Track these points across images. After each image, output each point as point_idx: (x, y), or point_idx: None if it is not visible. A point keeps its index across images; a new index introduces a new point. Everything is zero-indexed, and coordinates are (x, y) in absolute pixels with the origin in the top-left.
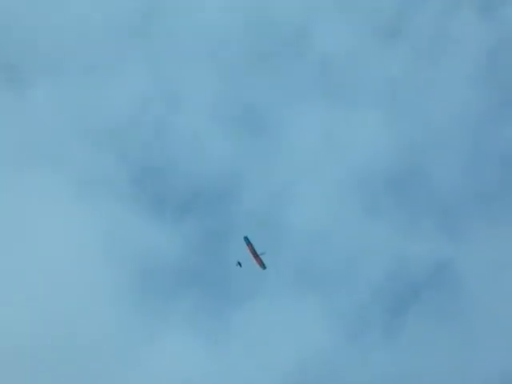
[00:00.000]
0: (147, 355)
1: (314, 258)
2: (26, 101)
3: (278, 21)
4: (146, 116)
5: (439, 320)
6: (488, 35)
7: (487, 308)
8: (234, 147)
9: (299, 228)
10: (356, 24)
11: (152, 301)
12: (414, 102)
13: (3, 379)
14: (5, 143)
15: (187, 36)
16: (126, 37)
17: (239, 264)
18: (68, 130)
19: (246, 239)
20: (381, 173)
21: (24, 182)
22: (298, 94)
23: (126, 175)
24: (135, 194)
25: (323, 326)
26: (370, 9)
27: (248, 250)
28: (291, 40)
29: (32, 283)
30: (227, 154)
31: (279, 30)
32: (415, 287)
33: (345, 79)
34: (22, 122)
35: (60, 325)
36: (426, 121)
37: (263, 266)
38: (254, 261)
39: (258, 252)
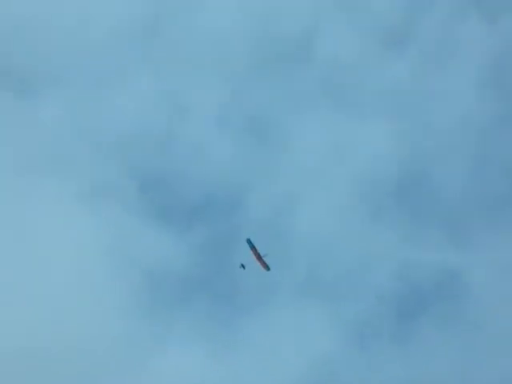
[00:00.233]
0: (155, 363)
1: (321, 265)
2: (34, 111)
3: (284, 28)
4: (153, 125)
5: (446, 327)
6: (494, 41)
7: (494, 314)
8: (241, 156)
9: (306, 236)
10: (362, 30)
11: (159, 309)
12: (420, 108)
13: None
14: (13, 153)
15: (193, 45)
16: (133, 48)
17: (242, 266)
18: (76, 139)
19: (249, 242)
20: (387, 180)
21: (31, 191)
22: (305, 102)
23: (132, 184)
24: (142, 203)
25: (330, 333)
26: (377, 15)
27: (251, 253)
28: (297, 47)
29: (38, 292)
30: (234, 163)
31: (285, 38)
32: (422, 294)
33: (351, 86)
34: (31, 132)
35: (67, 333)
36: (432, 128)
37: (267, 267)
38: (257, 263)
39: (261, 254)
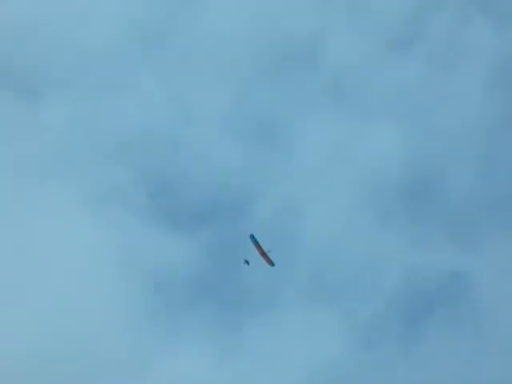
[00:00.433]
0: (162, 367)
1: (328, 269)
2: (40, 114)
3: (290, 31)
4: (159, 129)
5: (453, 330)
6: (502, 43)
7: (501, 317)
8: (247, 160)
9: (313, 239)
10: (369, 33)
11: (166, 313)
12: (427, 111)
13: None
14: (18, 156)
15: (199, 48)
16: (139, 50)
17: (247, 262)
18: (82, 143)
19: (252, 237)
20: (394, 183)
21: (37, 195)
22: (311, 105)
23: (139, 188)
24: (149, 207)
25: (338, 337)
26: (383, 17)
27: (255, 249)
28: (303, 50)
29: (43, 296)
30: (240, 167)
31: (291, 40)
32: (429, 297)
33: (357, 88)
34: (37, 136)
35: (73, 337)
36: (439, 130)
37: (271, 263)
38: (261, 259)
39: (265, 250)
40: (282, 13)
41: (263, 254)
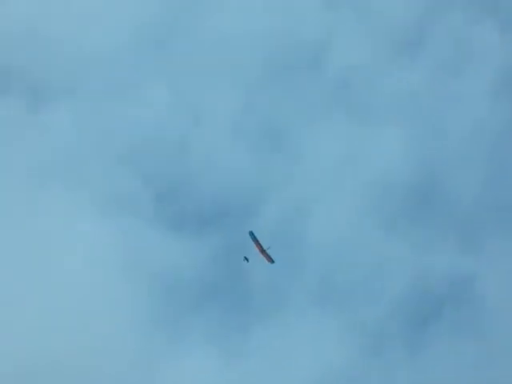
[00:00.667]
0: (168, 370)
1: (335, 273)
2: (46, 120)
3: (297, 36)
4: (166, 134)
5: (460, 334)
6: (509, 47)
7: (507, 322)
8: (255, 164)
9: (320, 243)
10: (375, 37)
11: (173, 317)
12: (434, 116)
13: None
14: (27, 163)
15: (207, 54)
16: (146, 54)
17: (246, 259)
18: (89, 147)
19: (252, 234)
20: (401, 187)
21: (45, 201)
22: (318, 110)
23: (146, 193)
24: (156, 212)
25: (344, 341)
26: (390, 22)
27: (254, 246)
28: (310, 55)
29: (51, 301)
30: (248, 171)
31: (299, 46)
32: (436, 301)
33: (364, 93)
34: (43, 142)
35: (80, 342)
36: (446, 135)
37: (271, 260)
38: (261, 256)
39: (264, 247)
40: (288, 16)
41: (263, 251)
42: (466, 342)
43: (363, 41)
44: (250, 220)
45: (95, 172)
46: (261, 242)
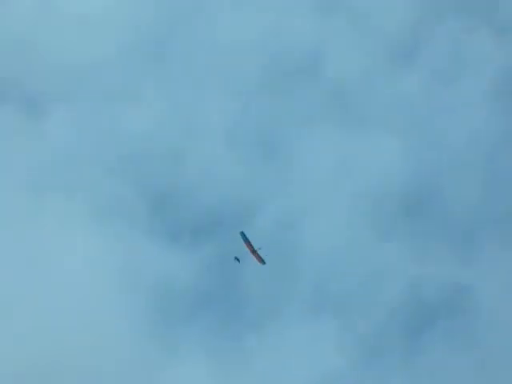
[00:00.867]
0: (163, 379)
1: (330, 281)
2: (42, 128)
3: (292, 46)
4: (162, 143)
5: (456, 342)
6: (504, 56)
7: (504, 330)
8: (250, 173)
9: (315, 251)
10: (370, 46)
11: (168, 325)
12: (429, 124)
13: None
14: (22, 170)
15: (203, 62)
16: (142, 64)
17: (237, 260)
18: (85, 157)
19: (243, 235)
20: (395, 196)
21: (41, 208)
22: (313, 118)
23: (142, 202)
24: (151, 220)
25: (339, 349)
26: (385, 31)
27: (245, 246)
28: (306, 64)
29: (47, 309)
30: (242, 180)
31: (294, 55)
32: (431, 310)
33: (359, 102)
34: (39, 150)
35: (75, 350)
36: (441, 143)
37: (262, 261)
38: (252, 256)
39: (255, 247)
40: (283, 27)
41: (254, 251)
42: (460, 350)
43: (358, 50)
44: (245, 230)
45: (91, 182)
46: (252, 242)
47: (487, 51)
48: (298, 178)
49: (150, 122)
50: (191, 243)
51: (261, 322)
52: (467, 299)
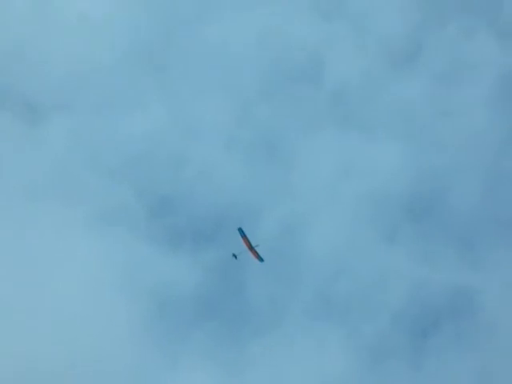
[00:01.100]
0: None
1: (334, 285)
2: (40, 135)
3: (293, 50)
4: (161, 147)
5: (460, 347)
6: (505, 59)
7: (508, 334)
8: (251, 177)
9: (317, 256)
10: (371, 51)
11: (170, 332)
12: (431, 128)
13: None
14: (20, 177)
15: (202, 67)
16: (140, 68)
17: (234, 256)
18: (83, 163)
19: (241, 231)
20: (399, 200)
21: (39, 216)
22: (315, 123)
23: (141, 207)
24: (152, 226)
25: (344, 354)
26: (386, 36)
27: (243, 243)
28: (306, 68)
29: (48, 318)
30: (244, 184)
31: (294, 59)
32: (436, 313)
33: (360, 106)
34: (38, 156)
35: (77, 358)
36: (443, 147)
37: (260, 258)
38: (249, 253)
39: (253, 244)
40: (284, 30)
41: (251, 248)
42: (465, 354)
43: (359, 53)
44: (247, 233)
45: (90, 187)
46: (250, 239)
47: (489, 55)
48: (300, 182)
49: (150, 127)
50: (192, 248)
51: (264, 328)
52: (472, 302)
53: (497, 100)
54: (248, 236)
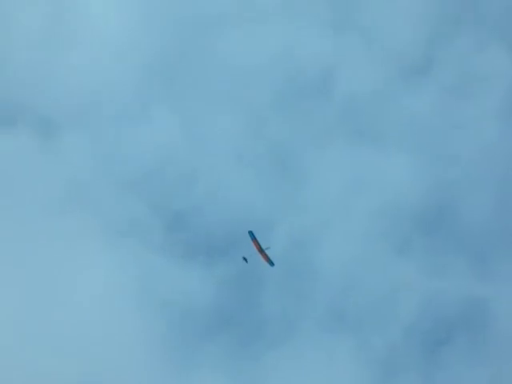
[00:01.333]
0: None
1: (347, 298)
2: (56, 150)
3: (304, 62)
4: (175, 161)
5: (472, 359)
6: None
7: None
8: (263, 190)
9: (329, 269)
10: (382, 64)
11: (184, 345)
12: (442, 141)
13: None
14: (36, 191)
15: (214, 81)
16: (154, 83)
17: (245, 259)
18: (98, 177)
19: (251, 234)
20: (410, 212)
21: (56, 229)
22: (326, 136)
23: (156, 221)
24: (166, 239)
25: (356, 367)
26: (397, 48)
27: (253, 246)
28: (317, 82)
29: (65, 330)
30: (256, 197)
31: (305, 73)
32: (448, 325)
33: (372, 119)
34: (53, 171)
35: (92, 372)
36: (454, 159)
37: (270, 262)
38: (259, 256)
39: (263, 247)
40: (295, 44)
41: (261, 250)
42: (477, 366)
43: (370, 67)
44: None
45: (105, 201)
46: (259, 241)
47: (500, 67)
48: (311, 196)
49: (164, 142)
50: (206, 262)
51: (277, 341)
52: (484, 314)
53: (508, 112)
54: (258, 239)
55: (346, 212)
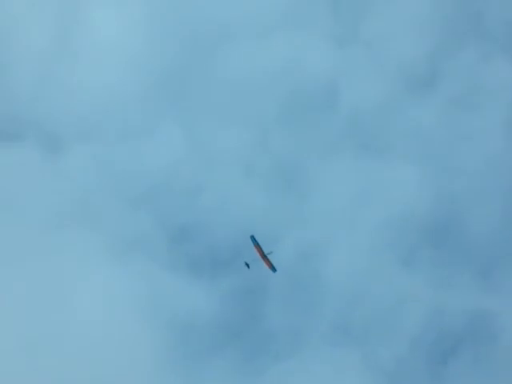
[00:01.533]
0: None
1: (353, 311)
2: (62, 165)
3: (309, 75)
4: (180, 176)
5: (479, 371)
6: None
7: None
8: (269, 203)
9: (335, 282)
10: (387, 76)
11: (190, 359)
12: (447, 153)
13: None
14: (42, 207)
15: (220, 94)
16: (159, 97)
17: (247, 265)
18: (104, 192)
19: (253, 239)
20: (416, 225)
21: (61, 244)
22: (332, 148)
23: (161, 235)
24: (171, 254)
25: (362, 381)
26: (401, 60)
27: (256, 251)
28: (322, 94)
29: (69, 346)
30: (262, 210)
31: (311, 85)
32: (454, 339)
33: (377, 131)
34: (59, 186)
35: None
36: (460, 171)
37: (273, 268)
38: (262, 261)
39: (266, 252)
40: (300, 57)
41: (263, 256)
42: (484, 379)
43: (376, 79)
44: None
45: (110, 216)
46: (262, 247)
47: (506, 80)
48: (317, 209)
49: (170, 156)
50: (212, 276)
51: (283, 355)
52: (491, 327)
53: None
54: (260, 244)
55: (352, 224)
